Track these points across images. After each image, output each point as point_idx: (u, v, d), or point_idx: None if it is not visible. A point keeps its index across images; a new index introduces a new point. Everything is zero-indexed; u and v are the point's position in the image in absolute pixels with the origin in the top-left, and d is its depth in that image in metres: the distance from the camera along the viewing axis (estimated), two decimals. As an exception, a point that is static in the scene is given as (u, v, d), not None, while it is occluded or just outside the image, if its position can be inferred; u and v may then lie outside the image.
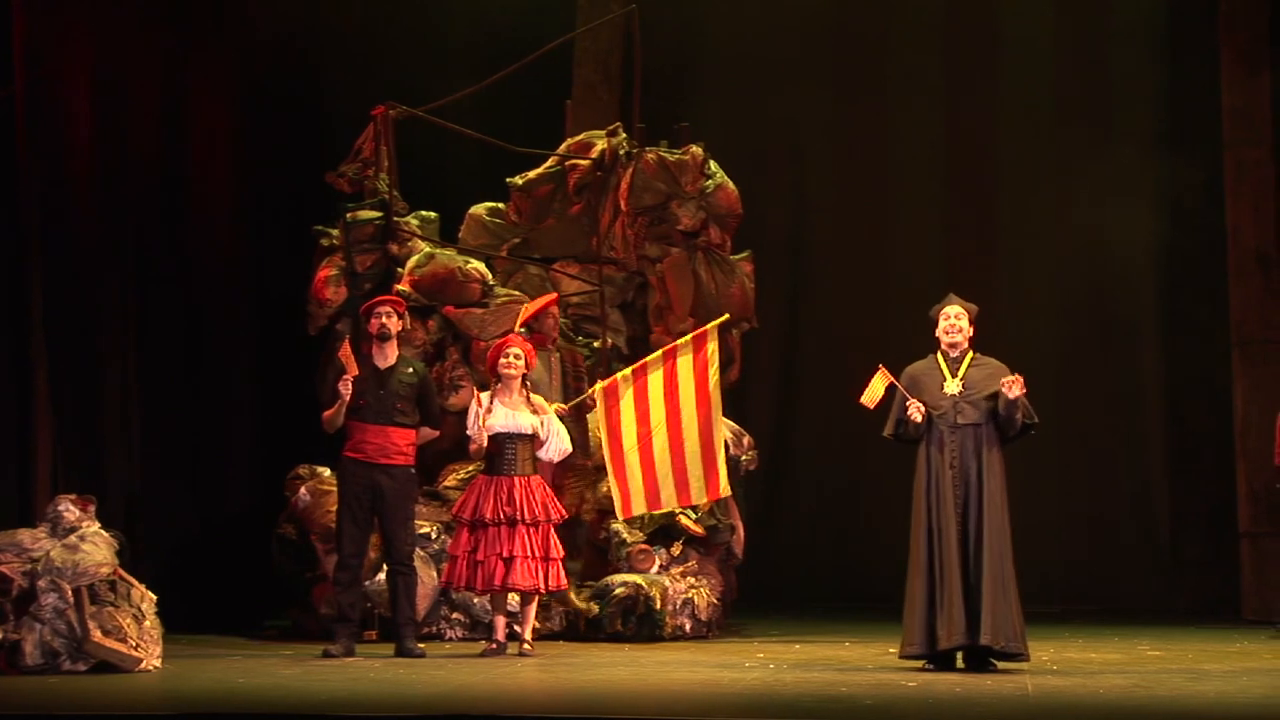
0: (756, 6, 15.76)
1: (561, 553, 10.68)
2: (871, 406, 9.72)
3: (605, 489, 11.33)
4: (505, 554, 10.44)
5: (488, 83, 13.42)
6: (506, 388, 10.67)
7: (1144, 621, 13.22)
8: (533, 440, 10.64)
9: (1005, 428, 9.60)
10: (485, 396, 10.67)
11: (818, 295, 16.04)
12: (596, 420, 11.32)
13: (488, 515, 10.48)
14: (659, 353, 11.04)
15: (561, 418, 10.85)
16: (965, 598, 9.39)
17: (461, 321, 12.71)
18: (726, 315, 11.44)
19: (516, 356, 10.69)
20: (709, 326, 10.99)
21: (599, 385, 11.04)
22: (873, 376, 9.69)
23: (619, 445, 10.89)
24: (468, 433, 10.66)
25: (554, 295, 12.25)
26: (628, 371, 11.03)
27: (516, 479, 10.56)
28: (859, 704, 8.15)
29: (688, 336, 11.04)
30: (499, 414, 10.57)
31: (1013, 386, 9.49)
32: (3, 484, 11.35)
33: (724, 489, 10.98)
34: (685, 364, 10.88)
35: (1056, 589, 14.71)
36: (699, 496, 11.00)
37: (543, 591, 10.65)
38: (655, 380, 10.88)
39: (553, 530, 10.63)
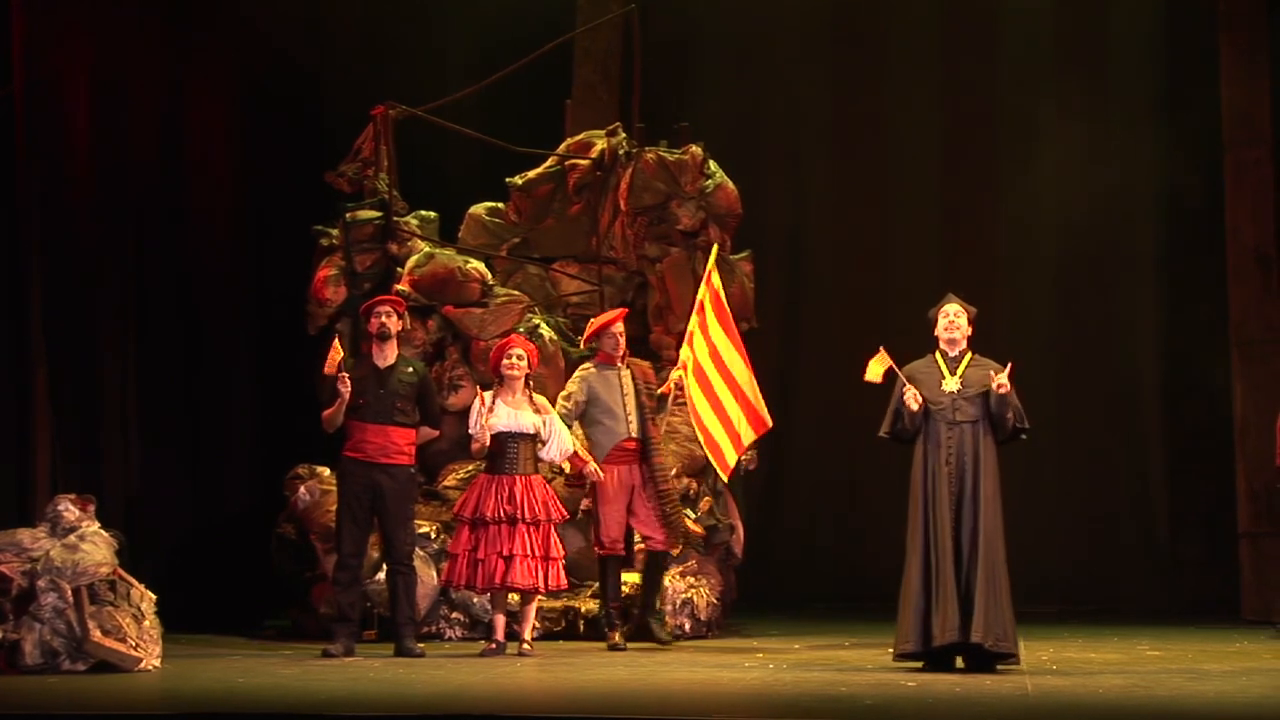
0: (756, 6, 15.77)
1: (562, 552, 10.68)
2: (879, 382, 9.74)
3: None
4: (505, 552, 10.45)
5: (488, 83, 13.43)
6: (509, 387, 10.68)
7: (1143, 621, 13.22)
8: (535, 440, 10.65)
9: (996, 428, 9.62)
10: (488, 396, 10.67)
11: (818, 295, 16.03)
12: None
13: (489, 514, 10.49)
14: (693, 314, 11.15)
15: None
16: (959, 595, 9.41)
17: (461, 321, 12.71)
18: (716, 246, 11.60)
19: (519, 357, 10.71)
20: (710, 263, 11.24)
21: (676, 373, 11.07)
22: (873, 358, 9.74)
23: (698, 414, 11.03)
24: (470, 432, 10.67)
25: (620, 311, 11.56)
26: (686, 349, 11.08)
27: (518, 478, 10.57)
28: (859, 704, 8.15)
29: (703, 285, 11.20)
30: (501, 413, 10.58)
31: (1000, 379, 9.51)
32: (2, 483, 11.35)
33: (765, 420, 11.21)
34: (707, 303, 11.11)
35: (1056, 589, 14.72)
36: (760, 426, 11.20)
37: (542, 591, 10.66)
38: (697, 338, 11.04)
39: (554, 530, 10.64)
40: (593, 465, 10.92)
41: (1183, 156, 14.97)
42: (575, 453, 10.93)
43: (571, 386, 11.17)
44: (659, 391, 11.19)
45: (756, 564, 13.43)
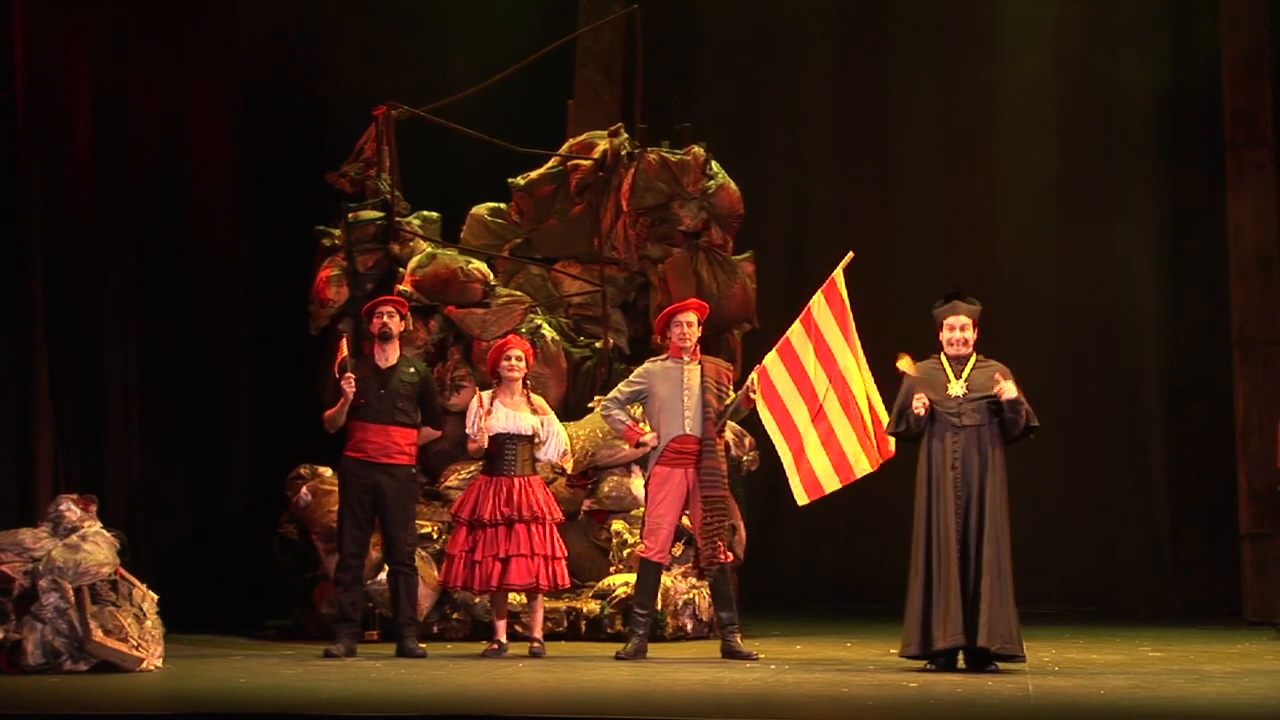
0: (758, 7, 15.76)
1: (564, 552, 10.67)
2: (914, 372, 9.71)
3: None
4: (502, 554, 10.45)
5: (490, 83, 13.43)
6: (507, 388, 10.68)
7: (1144, 622, 13.22)
8: (533, 441, 10.64)
9: (1009, 429, 9.60)
10: (486, 396, 10.67)
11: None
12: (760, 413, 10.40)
13: (486, 515, 10.49)
14: (796, 322, 10.41)
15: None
16: (963, 599, 9.40)
17: (463, 322, 12.71)
18: (851, 254, 10.55)
19: (518, 358, 10.70)
20: (836, 272, 10.44)
21: (753, 376, 10.37)
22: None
23: (794, 427, 10.26)
24: (468, 433, 10.67)
25: (690, 302, 10.85)
26: (773, 353, 10.39)
27: (516, 479, 10.57)
28: (860, 704, 8.15)
29: (818, 293, 10.45)
30: (499, 414, 10.58)
31: (1006, 388, 9.50)
32: (3, 484, 11.36)
33: (889, 447, 10.20)
34: (825, 317, 10.36)
35: (1057, 589, 14.71)
36: (876, 456, 10.26)
37: (543, 588, 10.63)
38: (803, 346, 10.32)
39: (555, 530, 10.61)
40: (649, 435, 10.43)
41: (1185, 157, 14.97)
42: (630, 425, 10.59)
43: (632, 374, 10.76)
44: (729, 398, 10.49)
45: (758, 565, 13.41)
